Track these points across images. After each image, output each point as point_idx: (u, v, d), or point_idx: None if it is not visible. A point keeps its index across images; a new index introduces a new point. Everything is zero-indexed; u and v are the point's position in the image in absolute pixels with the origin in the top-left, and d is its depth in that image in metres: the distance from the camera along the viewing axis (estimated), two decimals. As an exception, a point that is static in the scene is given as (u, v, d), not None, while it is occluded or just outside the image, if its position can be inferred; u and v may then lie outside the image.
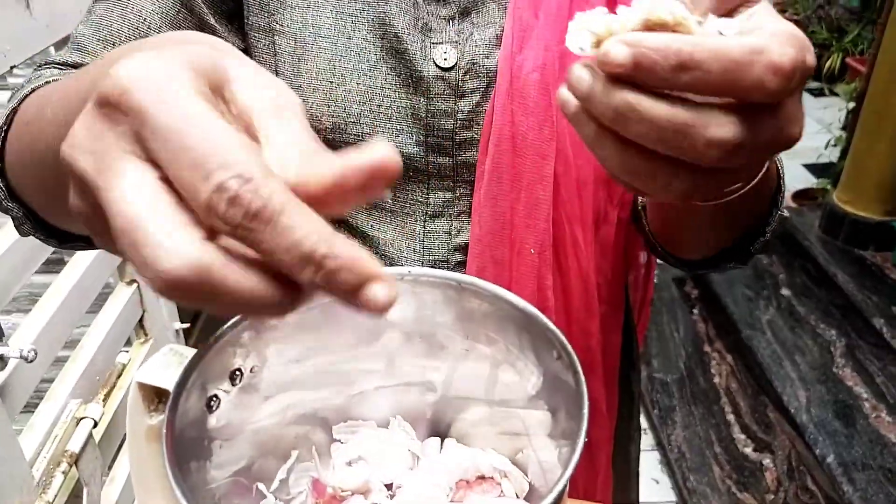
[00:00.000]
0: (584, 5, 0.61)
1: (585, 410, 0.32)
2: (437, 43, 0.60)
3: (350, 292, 0.24)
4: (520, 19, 0.59)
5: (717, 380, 2.52)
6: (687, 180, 0.31)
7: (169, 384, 0.32)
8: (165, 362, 0.35)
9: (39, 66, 0.60)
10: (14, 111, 0.50)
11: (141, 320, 1.28)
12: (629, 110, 0.29)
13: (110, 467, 1.15)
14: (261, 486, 0.39)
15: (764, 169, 0.42)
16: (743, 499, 2.11)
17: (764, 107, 0.30)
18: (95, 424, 1.03)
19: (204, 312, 1.66)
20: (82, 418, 1.03)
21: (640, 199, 0.67)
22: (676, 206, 0.56)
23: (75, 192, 0.27)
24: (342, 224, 0.64)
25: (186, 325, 1.39)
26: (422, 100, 0.60)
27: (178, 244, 0.24)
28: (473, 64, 0.61)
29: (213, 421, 0.35)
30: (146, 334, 1.30)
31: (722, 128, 0.30)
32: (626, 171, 0.31)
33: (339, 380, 0.43)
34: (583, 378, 0.33)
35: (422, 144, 0.61)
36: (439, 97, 0.61)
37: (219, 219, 0.24)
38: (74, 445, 0.99)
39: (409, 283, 0.40)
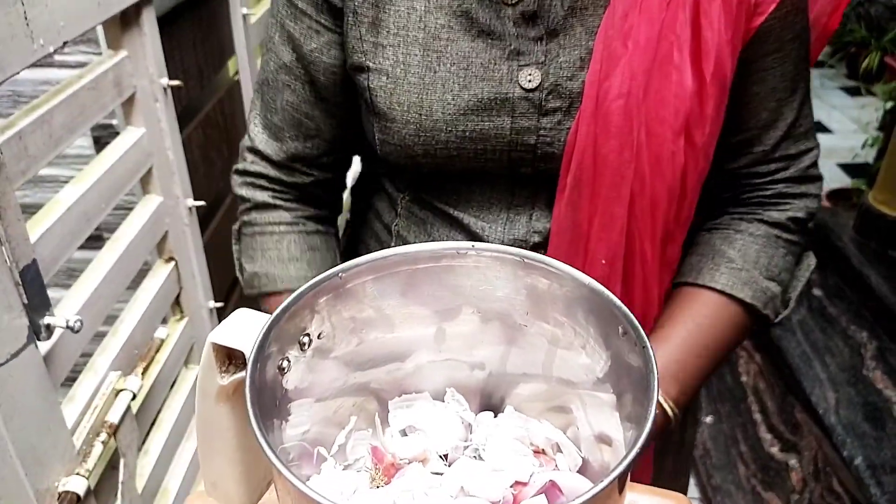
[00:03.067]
0: (671, 36, 0.61)
1: (655, 388, 0.32)
2: (523, 65, 0.64)
3: None
4: (608, 47, 0.62)
5: (744, 378, 2.50)
6: None
7: (243, 346, 0.33)
8: (238, 325, 0.36)
9: (248, 177, 0.84)
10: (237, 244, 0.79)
11: (177, 298, 1.30)
12: None
13: (145, 440, 1.17)
14: (321, 450, 0.40)
15: None
16: (767, 498, 2.10)
17: None
18: (133, 397, 1.05)
19: (235, 293, 1.68)
20: (121, 390, 1.05)
21: None
22: None
23: None
24: (437, 211, 0.72)
25: (220, 304, 1.41)
26: (506, 119, 0.65)
27: None
28: (557, 85, 0.64)
29: (285, 383, 0.36)
30: (181, 312, 1.32)
31: None
32: None
33: (397, 352, 0.43)
34: (651, 353, 0.33)
35: (505, 158, 0.66)
36: (523, 116, 0.65)
37: None
38: (114, 417, 1.01)
39: (474, 257, 0.40)
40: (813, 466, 2.15)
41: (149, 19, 1.17)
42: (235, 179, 0.82)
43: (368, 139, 0.73)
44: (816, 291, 2.72)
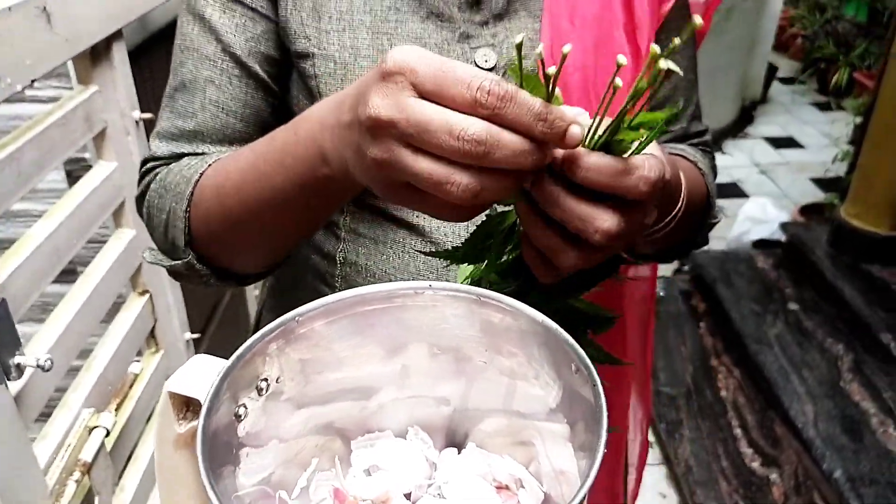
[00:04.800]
0: (609, 15, 0.64)
1: (604, 422, 0.32)
2: (476, 47, 0.65)
3: (561, 135, 0.40)
4: (555, 25, 0.64)
5: (724, 394, 2.52)
6: (577, 256, 0.44)
7: (199, 394, 0.33)
8: (195, 372, 0.36)
9: (148, 166, 0.70)
10: (190, 199, 0.62)
11: (152, 331, 1.29)
12: (553, 202, 0.43)
13: (121, 476, 1.16)
14: (283, 493, 0.40)
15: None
16: (750, 514, 2.11)
17: (634, 203, 0.44)
18: (108, 433, 1.04)
19: (212, 323, 1.67)
20: (95, 427, 1.04)
21: None
22: None
23: (374, 140, 0.42)
24: (391, 218, 0.68)
25: (197, 336, 1.40)
26: None
27: (471, 119, 0.39)
28: (512, 64, 0.64)
29: (241, 430, 0.36)
30: (157, 344, 1.31)
31: (606, 221, 0.42)
32: (544, 246, 0.44)
33: (358, 392, 0.44)
34: (601, 390, 0.33)
35: None
36: None
37: (482, 106, 0.39)
38: (87, 454, 1.00)
39: (431, 296, 0.41)
40: (794, 480, 2.16)
41: (119, 53, 1.17)
42: (139, 206, 0.71)
43: None
44: (792, 305, 2.75)
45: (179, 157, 0.68)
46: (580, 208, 0.42)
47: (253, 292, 1.88)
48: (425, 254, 0.65)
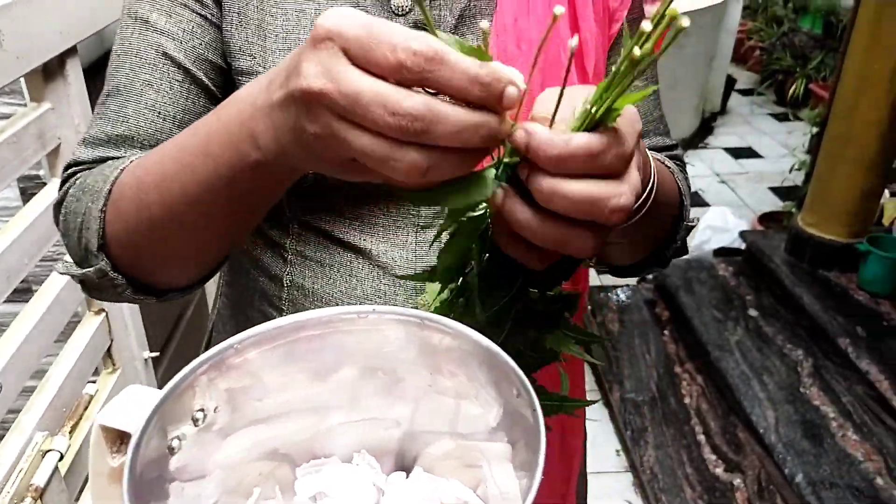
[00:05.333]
0: (556, 38, 0.65)
1: (542, 444, 0.33)
2: None
3: (498, 97, 0.37)
4: (503, 49, 0.64)
5: (687, 400, 2.55)
6: (592, 238, 0.41)
7: (131, 427, 0.33)
8: (127, 404, 0.36)
9: (69, 172, 0.64)
10: (108, 197, 0.58)
11: (109, 350, 1.27)
12: (552, 193, 0.39)
13: (76, 501, 1.13)
14: (225, 524, 0.39)
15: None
16: (715, 520, 2.13)
17: (622, 174, 0.42)
18: (61, 457, 1.02)
19: (173, 342, 1.65)
20: (48, 451, 1.02)
21: None
22: None
23: (309, 114, 0.39)
24: (336, 241, 0.67)
25: (156, 354, 1.38)
26: None
27: (406, 92, 0.37)
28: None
29: (175, 463, 0.35)
30: (114, 364, 1.29)
31: (622, 196, 0.40)
32: (546, 240, 0.41)
33: (303, 417, 0.43)
34: (541, 415, 0.34)
35: None
36: None
37: (408, 70, 0.36)
38: (40, 479, 0.98)
39: (374, 320, 0.41)
40: (757, 485, 2.19)
41: (74, 70, 1.16)
42: (56, 214, 0.64)
43: None
44: (752, 312, 2.80)
45: (105, 161, 0.63)
46: (589, 190, 0.39)
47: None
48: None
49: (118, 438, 0.36)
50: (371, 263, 0.66)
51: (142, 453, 0.32)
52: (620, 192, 0.40)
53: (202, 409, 0.37)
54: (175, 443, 0.35)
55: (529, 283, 0.48)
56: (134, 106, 0.63)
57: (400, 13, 0.64)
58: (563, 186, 0.39)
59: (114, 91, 0.64)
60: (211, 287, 1.86)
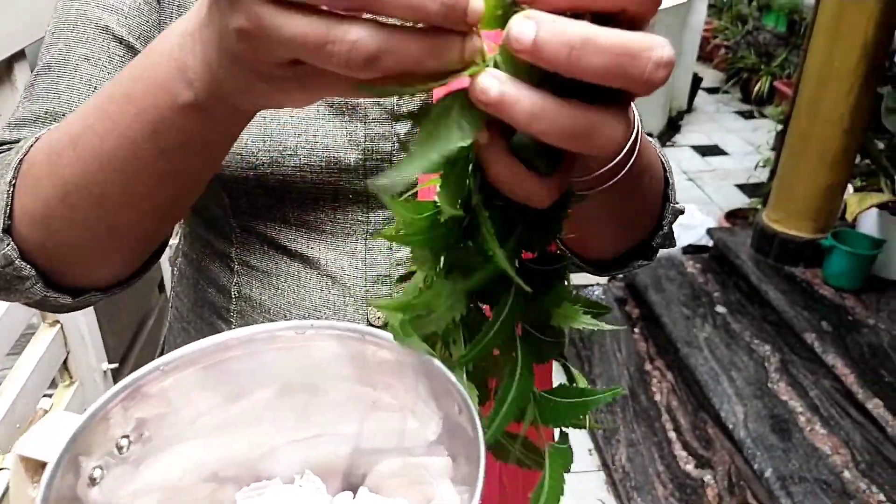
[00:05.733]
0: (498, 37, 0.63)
1: (482, 458, 0.32)
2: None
3: (462, 11, 0.30)
4: None
5: (658, 398, 2.57)
6: (619, 123, 0.33)
7: (50, 457, 0.31)
8: (49, 433, 0.34)
9: None
10: (18, 167, 0.49)
11: (65, 362, 1.24)
12: (584, 43, 0.29)
13: (32, 518, 1.10)
14: (159, 553, 0.38)
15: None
16: (686, 517, 2.14)
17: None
18: (14, 475, 0.99)
19: (133, 352, 1.61)
20: (1, 469, 0.99)
21: None
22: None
23: (232, 8, 0.32)
24: (282, 249, 0.64)
25: (115, 366, 1.35)
26: (359, 125, 0.62)
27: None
28: None
29: (96, 494, 0.33)
30: (71, 377, 1.26)
31: (664, 48, 0.31)
32: (566, 133, 0.32)
33: (244, 437, 0.42)
34: (481, 434, 0.33)
35: (360, 168, 0.62)
36: (376, 121, 0.62)
37: None
38: (-10, 499, 0.94)
39: (312, 336, 0.39)
40: (727, 481, 2.21)
41: (22, 74, 1.12)
42: None
43: None
44: (720, 308, 2.83)
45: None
46: (627, 38, 0.30)
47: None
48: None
49: (40, 468, 0.34)
50: (319, 273, 0.64)
51: (56, 485, 0.30)
52: (661, 44, 0.31)
53: (126, 436, 0.36)
54: (97, 472, 0.34)
55: (522, 243, 0.39)
56: (67, 81, 0.57)
57: None
58: (597, 34, 0.29)
59: (44, 69, 0.58)
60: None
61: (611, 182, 0.50)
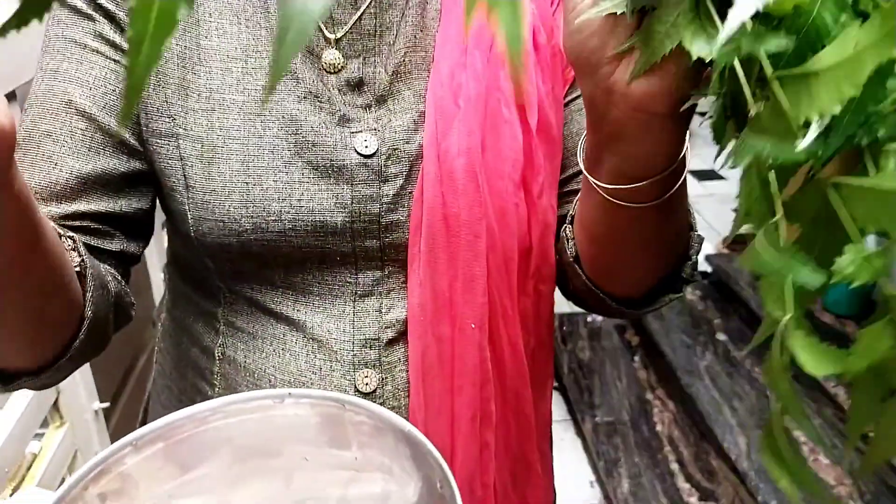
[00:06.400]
0: (497, 92, 0.63)
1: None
2: (356, 132, 0.61)
3: None
4: (440, 107, 0.61)
5: (659, 428, 2.54)
6: None
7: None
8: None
9: None
10: None
11: (56, 403, 1.22)
12: None
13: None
14: None
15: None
16: (690, 550, 2.11)
17: None
18: (0, 523, 0.97)
19: (125, 391, 1.59)
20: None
21: (569, 237, 0.66)
22: (608, 213, 0.56)
23: None
24: (268, 312, 0.63)
25: (106, 405, 1.33)
26: (346, 187, 0.61)
27: None
28: (395, 149, 0.62)
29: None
30: (61, 417, 1.24)
31: None
32: None
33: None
34: (459, 499, 0.31)
35: (347, 231, 0.62)
36: (363, 183, 0.61)
37: None
38: (-25, 549, 0.92)
39: (291, 404, 0.38)
40: (731, 513, 2.18)
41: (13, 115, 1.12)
42: None
43: (176, 223, 0.63)
44: (720, 336, 2.81)
45: None
46: None
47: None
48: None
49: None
50: (305, 336, 0.63)
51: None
52: None
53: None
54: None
55: None
56: (31, 157, 0.58)
57: (332, 71, 0.62)
58: None
59: (15, 145, 0.59)
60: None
61: (663, 197, 0.51)
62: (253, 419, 0.39)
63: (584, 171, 0.55)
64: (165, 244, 1.79)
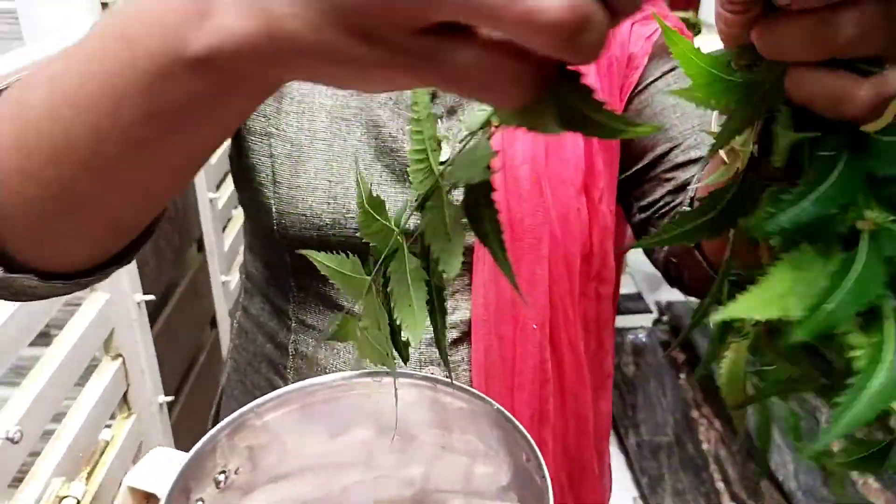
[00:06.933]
0: (562, 149, 0.66)
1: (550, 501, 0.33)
2: None
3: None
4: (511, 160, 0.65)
5: (705, 446, 2.51)
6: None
7: (158, 488, 0.34)
8: (153, 466, 0.37)
9: None
10: None
11: (125, 395, 1.28)
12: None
13: (91, 547, 1.14)
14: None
15: None
16: (734, 570, 2.09)
17: None
18: (78, 503, 1.03)
19: (186, 385, 1.65)
20: (65, 497, 1.03)
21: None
22: None
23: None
24: (339, 309, 0.67)
25: (171, 398, 1.39)
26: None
27: None
28: None
29: (199, 525, 0.36)
30: (129, 409, 1.30)
31: None
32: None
33: (319, 476, 0.44)
34: (549, 481, 0.34)
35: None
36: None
37: None
38: (56, 526, 0.98)
39: (388, 383, 0.42)
40: (777, 534, 2.15)
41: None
42: None
43: (259, 218, 0.65)
44: (770, 356, 2.77)
45: None
46: None
47: (230, 351, 1.87)
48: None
49: (144, 500, 0.37)
50: None
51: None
52: None
53: (223, 471, 0.38)
54: (199, 504, 0.37)
55: None
56: None
57: None
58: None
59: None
60: (224, 337, 1.87)
61: None
62: (374, 396, 0.42)
63: None
64: (226, 249, 1.84)
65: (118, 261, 0.45)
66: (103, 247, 0.43)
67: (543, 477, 0.35)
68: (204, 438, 0.37)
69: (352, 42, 0.23)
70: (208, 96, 0.30)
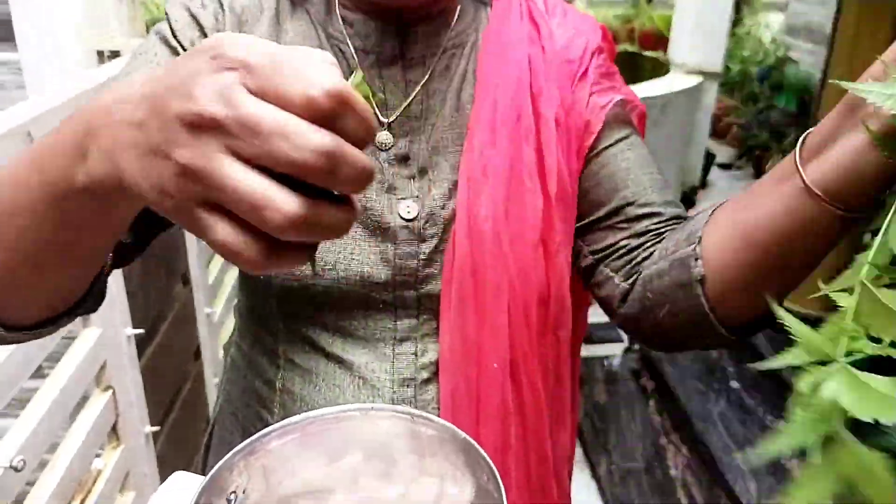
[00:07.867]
0: (520, 165, 0.74)
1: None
2: (401, 199, 0.73)
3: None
4: (471, 178, 0.73)
5: (673, 472, 2.60)
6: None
7: (182, 508, 0.41)
8: (174, 491, 0.44)
9: None
10: None
11: (114, 426, 1.34)
12: None
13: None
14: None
15: None
16: (700, 593, 2.15)
17: None
18: (70, 530, 1.07)
19: (171, 415, 1.70)
20: (58, 524, 1.07)
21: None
22: (799, 215, 0.58)
23: (190, 141, 0.34)
24: (322, 352, 0.74)
25: (157, 428, 1.44)
26: (390, 245, 0.73)
27: (314, 126, 0.33)
28: (432, 214, 0.74)
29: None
30: (118, 439, 1.35)
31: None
32: None
33: (311, 497, 0.52)
34: (504, 496, 0.42)
35: (389, 282, 0.73)
36: (405, 242, 0.73)
37: (317, 109, 0.33)
38: (50, 552, 1.03)
39: (373, 415, 0.50)
40: (741, 558, 2.22)
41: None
42: None
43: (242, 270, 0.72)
44: (734, 384, 2.88)
45: None
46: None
47: (213, 380, 1.92)
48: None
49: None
50: (352, 374, 0.74)
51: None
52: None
53: (234, 492, 0.46)
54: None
55: None
56: None
57: (383, 149, 0.73)
58: None
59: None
60: (208, 368, 1.93)
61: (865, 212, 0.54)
62: (363, 427, 0.50)
63: (800, 167, 0.57)
64: (210, 282, 1.90)
65: (70, 314, 0.59)
66: (50, 308, 0.56)
67: (499, 491, 0.42)
68: (220, 463, 0.44)
69: (163, 197, 0.36)
70: (96, 210, 0.44)
